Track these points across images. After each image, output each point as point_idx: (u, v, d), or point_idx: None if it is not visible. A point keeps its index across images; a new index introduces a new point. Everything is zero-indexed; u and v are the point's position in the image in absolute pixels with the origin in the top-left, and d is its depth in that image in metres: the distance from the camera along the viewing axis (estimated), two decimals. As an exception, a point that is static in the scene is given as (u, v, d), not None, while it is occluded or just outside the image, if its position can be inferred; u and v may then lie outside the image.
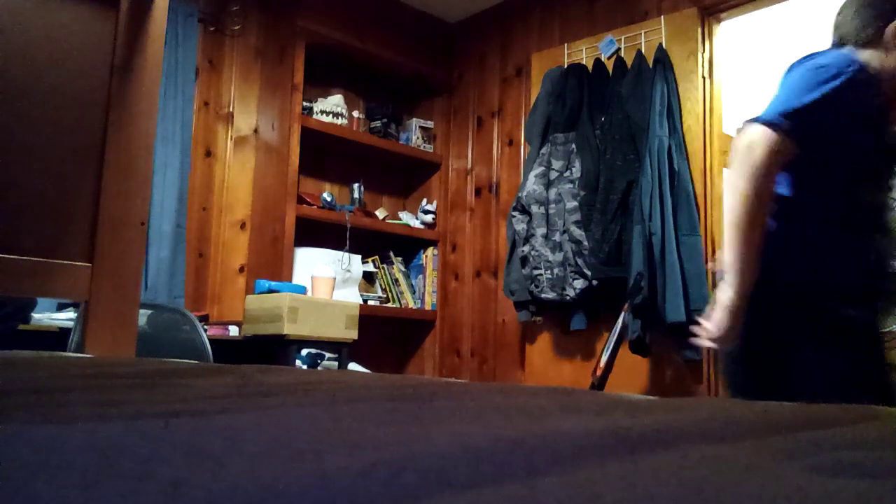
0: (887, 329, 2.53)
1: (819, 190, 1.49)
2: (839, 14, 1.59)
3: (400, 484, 0.30)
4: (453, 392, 0.68)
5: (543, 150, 3.28)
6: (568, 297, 3.10)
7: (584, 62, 3.35)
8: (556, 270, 3.13)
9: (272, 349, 2.94)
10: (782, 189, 1.47)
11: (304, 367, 3.03)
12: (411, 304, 4.05)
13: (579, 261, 3.06)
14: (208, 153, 3.64)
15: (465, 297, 3.93)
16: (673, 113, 2.97)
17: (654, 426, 0.45)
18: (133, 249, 1.59)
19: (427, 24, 4.13)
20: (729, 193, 1.44)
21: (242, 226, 3.70)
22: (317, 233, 3.67)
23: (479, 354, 3.82)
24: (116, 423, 0.47)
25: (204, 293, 3.56)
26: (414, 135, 4.13)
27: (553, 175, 3.22)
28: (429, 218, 4.09)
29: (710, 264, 2.02)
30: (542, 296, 3.17)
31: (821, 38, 1.66)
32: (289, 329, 2.83)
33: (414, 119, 4.18)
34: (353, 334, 3.07)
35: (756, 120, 1.40)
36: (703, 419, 0.49)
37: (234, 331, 3.20)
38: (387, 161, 4.13)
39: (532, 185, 3.24)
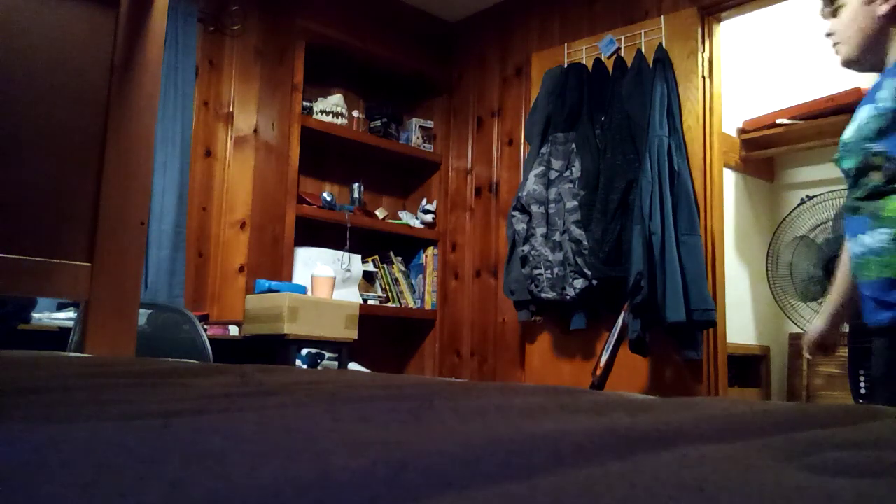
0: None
1: None
2: None
3: (400, 483, 0.30)
4: (453, 392, 0.68)
5: (543, 150, 3.28)
6: (568, 297, 3.10)
7: (584, 62, 3.34)
8: (556, 270, 3.13)
9: (272, 349, 2.94)
10: None
11: (304, 366, 3.03)
12: (411, 304, 4.04)
13: (579, 260, 3.06)
14: (208, 153, 3.64)
15: (465, 297, 3.93)
16: (673, 113, 2.97)
17: (654, 426, 0.45)
18: (133, 249, 1.59)
19: (427, 23, 4.13)
20: None
21: (242, 225, 3.70)
22: (317, 232, 3.67)
23: (479, 354, 3.82)
24: (116, 423, 0.47)
25: (204, 293, 3.56)
26: (414, 135, 4.13)
27: (553, 175, 3.22)
28: (429, 218, 4.09)
29: None
30: (542, 295, 3.16)
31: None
32: (289, 329, 2.83)
33: (414, 119, 4.18)
34: (353, 334, 3.06)
35: None
36: (703, 419, 0.49)
37: (234, 330, 3.20)
38: (387, 161, 4.13)
39: (532, 184, 3.24)
